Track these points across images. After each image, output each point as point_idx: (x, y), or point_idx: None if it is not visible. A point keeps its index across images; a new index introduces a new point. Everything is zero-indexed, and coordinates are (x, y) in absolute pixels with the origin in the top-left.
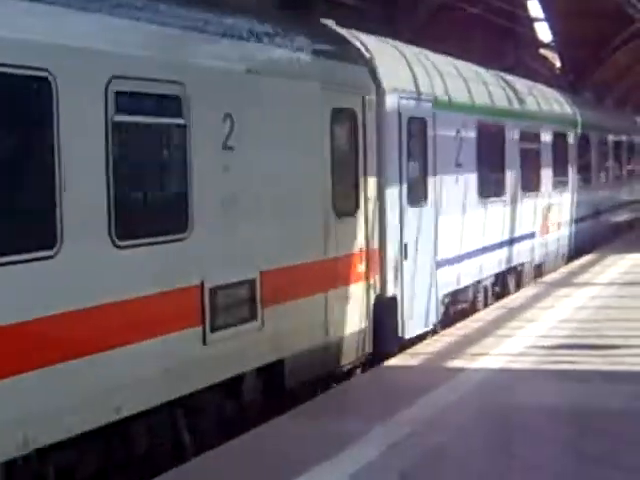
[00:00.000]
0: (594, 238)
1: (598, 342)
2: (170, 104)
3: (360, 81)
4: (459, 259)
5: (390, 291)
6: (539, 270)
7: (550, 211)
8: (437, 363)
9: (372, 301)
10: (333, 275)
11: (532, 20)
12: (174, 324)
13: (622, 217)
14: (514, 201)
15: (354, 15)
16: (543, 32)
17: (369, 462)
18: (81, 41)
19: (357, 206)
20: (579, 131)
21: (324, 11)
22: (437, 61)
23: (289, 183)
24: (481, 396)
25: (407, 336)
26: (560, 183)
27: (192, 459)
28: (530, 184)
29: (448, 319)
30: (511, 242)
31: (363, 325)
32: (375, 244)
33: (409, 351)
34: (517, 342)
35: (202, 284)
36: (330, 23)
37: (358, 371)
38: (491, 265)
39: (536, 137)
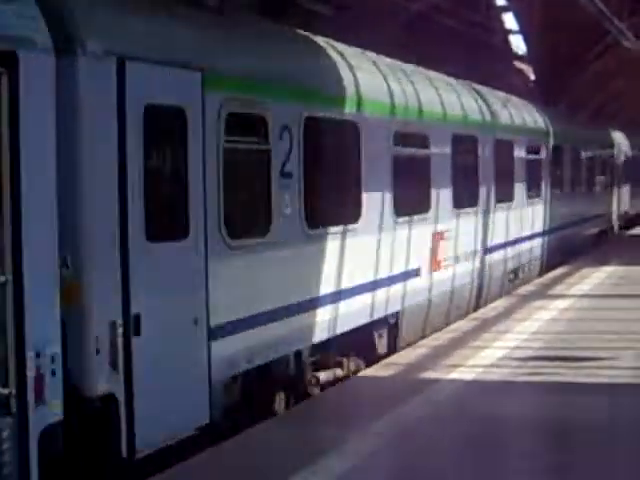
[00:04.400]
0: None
1: (571, 354)
2: None
3: None
4: (253, 322)
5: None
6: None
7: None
8: (411, 374)
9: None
10: None
11: (507, 32)
12: None
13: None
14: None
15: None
16: (518, 45)
17: (342, 473)
18: None
19: None
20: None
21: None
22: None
23: None
24: (455, 407)
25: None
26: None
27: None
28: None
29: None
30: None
31: None
32: None
33: (384, 362)
34: (491, 354)
35: None
36: None
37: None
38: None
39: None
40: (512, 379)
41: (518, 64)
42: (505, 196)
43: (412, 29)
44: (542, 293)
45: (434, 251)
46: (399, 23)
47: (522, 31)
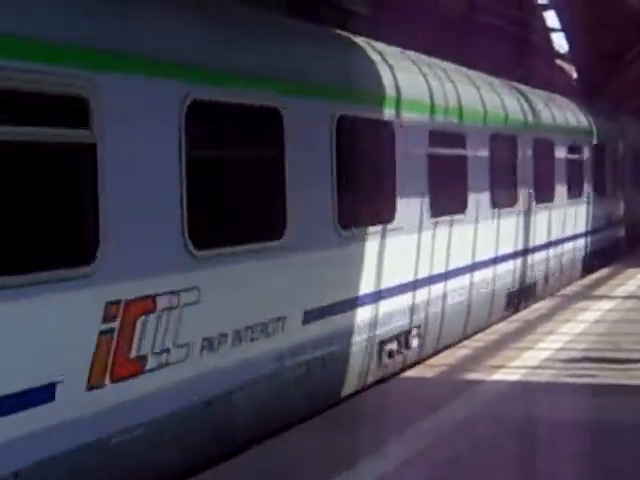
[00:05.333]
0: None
1: (616, 356)
2: None
3: None
4: None
5: None
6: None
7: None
8: (454, 375)
9: None
10: None
11: (548, 30)
12: None
13: None
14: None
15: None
16: (559, 43)
17: (383, 475)
18: None
19: None
20: None
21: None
22: None
23: None
24: (499, 409)
25: None
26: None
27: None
28: None
29: None
30: None
31: None
32: None
33: (426, 363)
34: (535, 355)
35: None
36: None
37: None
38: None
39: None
40: (557, 380)
41: (560, 62)
42: (377, 216)
43: (451, 27)
44: (586, 294)
45: (113, 345)
46: (438, 21)
47: (564, 29)
